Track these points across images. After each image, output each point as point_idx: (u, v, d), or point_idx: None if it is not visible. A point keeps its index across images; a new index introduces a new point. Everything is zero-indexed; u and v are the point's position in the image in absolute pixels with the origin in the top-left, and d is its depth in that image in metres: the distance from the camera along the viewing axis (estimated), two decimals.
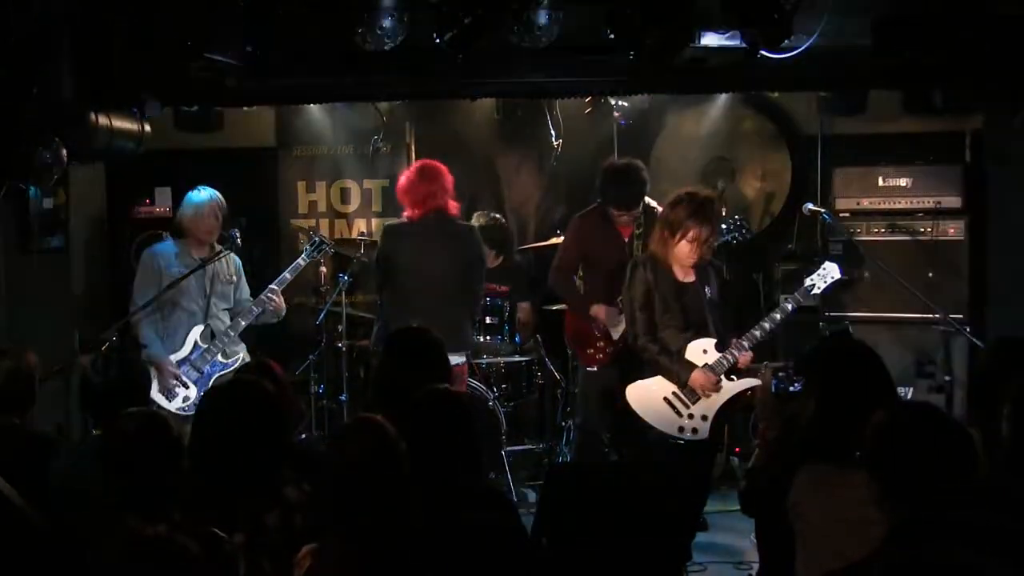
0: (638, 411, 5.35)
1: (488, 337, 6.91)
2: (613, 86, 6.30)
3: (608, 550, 3.90)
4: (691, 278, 5.37)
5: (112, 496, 3.02)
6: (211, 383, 5.73)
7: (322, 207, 7.85)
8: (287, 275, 5.95)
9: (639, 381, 5.38)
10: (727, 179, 7.44)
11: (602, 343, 6.16)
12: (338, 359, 7.08)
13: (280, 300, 5.95)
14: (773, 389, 3.97)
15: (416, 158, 7.48)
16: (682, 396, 5.30)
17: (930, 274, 6.39)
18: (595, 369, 6.20)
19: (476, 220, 7.09)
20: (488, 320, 6.87)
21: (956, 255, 6.45)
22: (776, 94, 7.26)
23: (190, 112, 6.72)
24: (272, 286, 5.91)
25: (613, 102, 7.22)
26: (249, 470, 3.27)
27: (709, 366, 5.27)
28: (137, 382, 5.87)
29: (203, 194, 5.97)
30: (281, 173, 7.84)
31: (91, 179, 6.80)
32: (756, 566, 3.91)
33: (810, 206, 6.44)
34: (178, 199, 6.50)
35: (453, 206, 5.95)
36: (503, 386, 6.83)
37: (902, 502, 2.65)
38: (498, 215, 7.40)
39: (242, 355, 6.02)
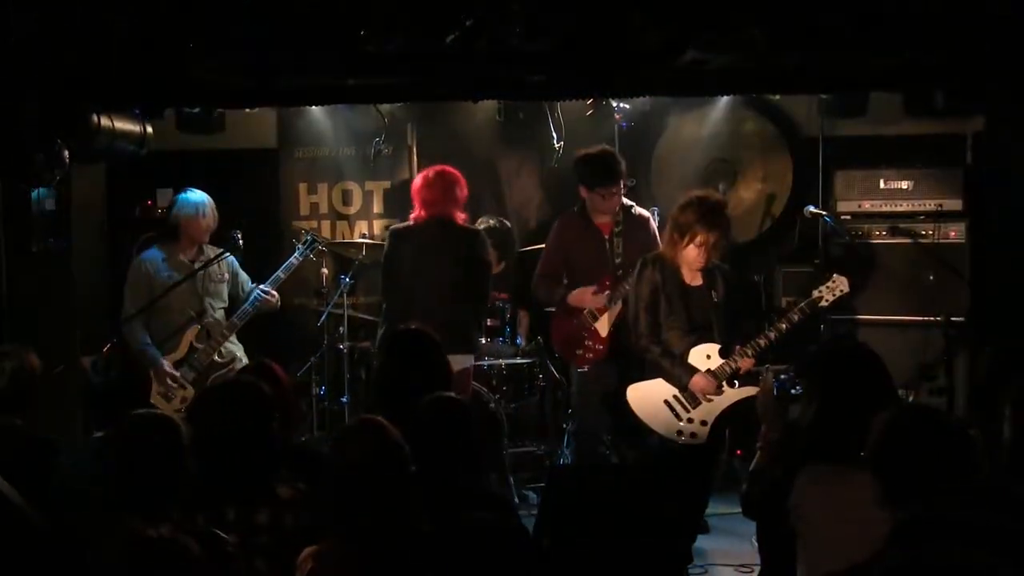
0: (637, 412, 5.34)
1: (489, 339, 6.91)
2: (615, 88, 6.29)
3: (609, 552, 3.90)
4: (698, 281, 5.37)
5: (114, 497, 3.02)
6: (208, 383, 5.74)
7: (323, 209, 7.85)
8: (280, 274, 6.02)
9: (640, 382, 5.37)
10: (728, 181, 7.44)
11: (590, 341, 6.13)
12: (339, 361, 7.08)
13: (274, 298, 6.00)
14: (775, 391, 3.96)
15: (418, 160, 7.50)
16: (683, 400, 5.30)
17: (931, 277, 6.38)
18: (587, 369, 6.17)
19: (480, 224, 7.09)
20: (490, 322, 6.87)
21: (957, 258, 6.44)
22: (777, 96, 7.26)
23: (192, 113, 6.73)
24: (264, 286, 5.96)
25: (614, 104, 7.22)
26: (240, 470, 3.28)
27: (712, 371, 5.26)
28: (138, 383, 5.88)
29: (196, 195, 6.00)
30: (282, 175, 7.84)
31: (92, 180, 6.80)
32: (758, 569, 3.90)
33: (811, 208, 6.44)
34: None
35: (460, 217, 5.96)
36: (504, 388, 6.83)
37: (904, 503, 2.65)
38: (501, 219, 7.40)
39: (239, 354, 6.04)
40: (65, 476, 3.67)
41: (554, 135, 7.35)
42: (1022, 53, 5.05)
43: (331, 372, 7.25)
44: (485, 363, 6.77)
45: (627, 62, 5.24)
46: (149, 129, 6.12)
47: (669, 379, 5.30)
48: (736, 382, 5.31)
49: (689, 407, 5.29)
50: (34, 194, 5.38)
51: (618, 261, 6.00)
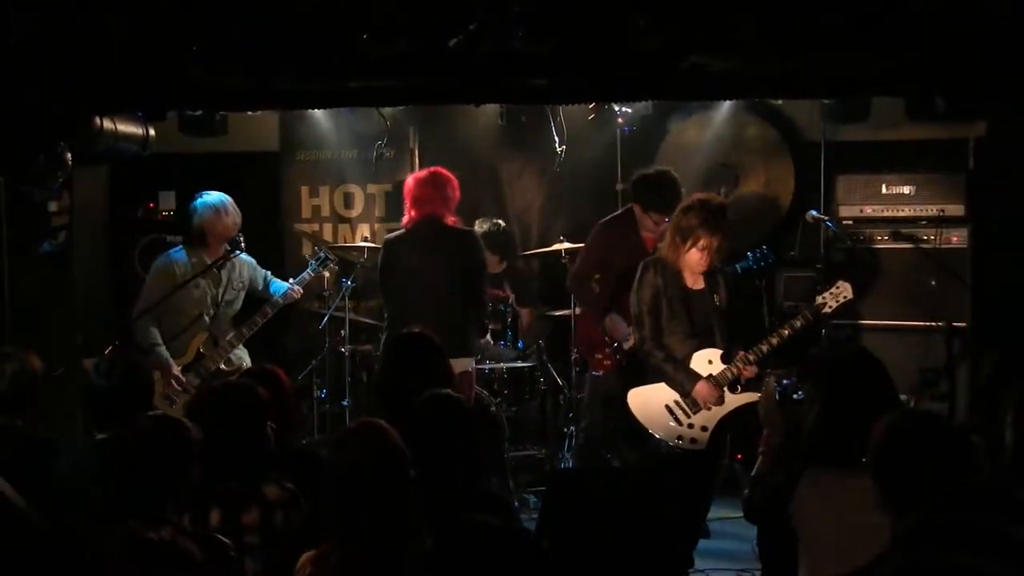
0: (638, 416, 5.34)
1: (491, 342, 6.91)
2: (617, 92, 6.29)
3: (610, 556, 3.90)
4: (700, 285, 5.36)
5: (117, 499, 3.02)
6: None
7: (325, 212, 7.85)
8: (295, 286, 6.04)
9: (641, 387, 5.37)
10: (730, 186, 7.44)
11: (610, 349, 6.19)
12: (341, 364, 7.08)
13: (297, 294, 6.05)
14: (777, 396, 3.96)
15: (420, 163, 7.50)
16: (683, 405, 5.29)
17: (933, 282, 6.38)
18: (601, 375, 6.22)
19: (480, 225, 7.09)
20: (491, 325, 6.88)
21: (959, 263, 6.44)
22: (779, 101, 7.26)
23: (194, 116, 6.73)
24: (275, 299, 5.99)
25: (616, 108, 7.23)
26: (229, 471, 3.29)
27: (713, 377, 5.25)
28: (140, 386, 5.87)
29: (216, 195, 6.01)
30: (285, 177, 7.85)
31: (95, 182, 6.81)
32: (759, 573, 3.90)
33: (813, 213, 6.44)
34: (181, 203, 6.52)
35: (451, 218, 5.96)
36: (505, 391, 6.83)
37: (905, 508, 2.64)
38: (501, 221, 7.40)
39: (246, 361, 6.04)
40: (65, 477, 3.67)
41: (556, 139, 7.35)
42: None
43: (332, 375, 7.26)
44: (486, 367, 6.77)
45: (629, 66, 5.23)
46: (151, 131, 6.12)
47: (671, 384, 5.29)
48: (738, 387, 5.30)
49: (690, 413, 5.28)
50: (36, 196, 5.38)
51: None
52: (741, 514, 3.90)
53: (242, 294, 6.10)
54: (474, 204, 7.42)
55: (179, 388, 5.83)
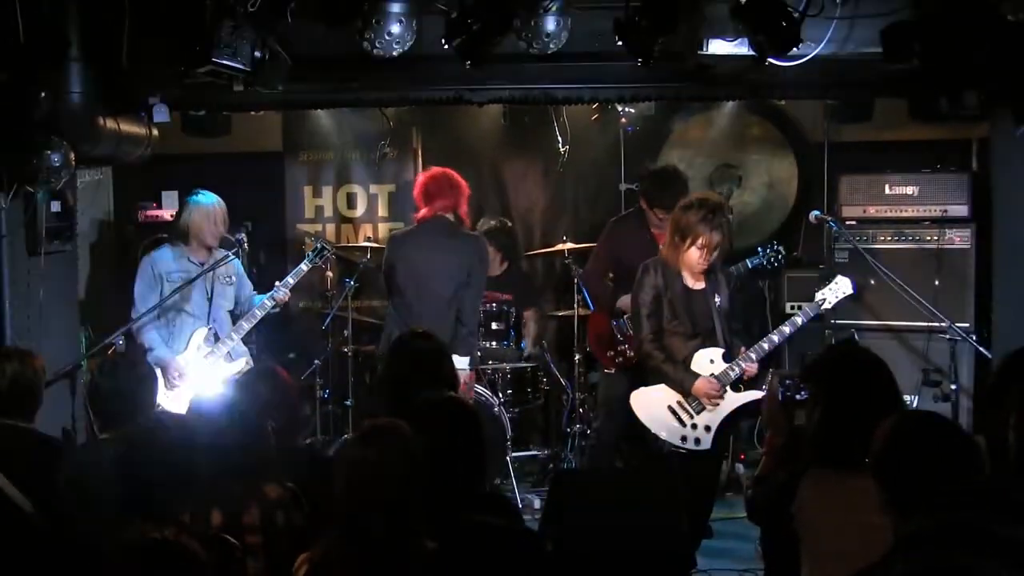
0: (641, 418, 5.33)
1: (494, 343, 6.91)
2: (620, 92, 6.30)
3: (613, 556, 3.90)
4: (701, 284, 5.36)
5: (122, 499, 3.02)
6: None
7: (328, 212, 7.87)
8: (290, 280, 5.98)
9: (644, 388, 5.37)
10: (733, 186, 7.44)
11: (624, 346, 6.19)
12: (344, 364, 7.09)
13: (286, 297, 6.00)
14: (780, 397, 3.96)
15: (423, 163, 7.52)
16: (686, 405, 5.29)
17: (936, 282, 6.37)
18: (613, 372, 6.25)
19: (483, 224, 7.10)
20: (494, 326, 6.88)
21: (962, 263, 6.43)
22: (783, 101, 7.26)
23: (197, 116, 6.74)
24: (274, 293, 5.95)
25: (620, 108, 7.23)
26: (230, 471, 3.29)
27: (715, 376, 5.25)
28: (144, 386, 5.87)
29: (208, 197, 5.98)
30: (288, 178, 7.87)
31: (98, 183, 6.82)
32: (762, 573, 3.90)
33: (816, 213, 6.43)
34: (184, 203, 6.50)
35: (462, 218, 5.94)
36: (508, 392, 6.84)
37: (908, 509, 2.64)
38: (505, 219, 7.41)
39: (246, 357, 6.04)
40: (70, 478, 3.67)
41: (559, 139, 7.36)
42: None
43: (335, 375, 7.27)
44: (489, 367, 6.77)
45: (633, 66, 5.23)
46: (155, 132, 6.12)
47: (672, 385, 5.29)
48: (740, 386, 5.30)
49: (693, 413, 5.28)
50: (39, 196, 5.39)
51: None
52: (744, 514, 3.90)
53: (232, 289, 6.06)
54: (477, 204, 7.43)
55: (182, 384, 5.82)
